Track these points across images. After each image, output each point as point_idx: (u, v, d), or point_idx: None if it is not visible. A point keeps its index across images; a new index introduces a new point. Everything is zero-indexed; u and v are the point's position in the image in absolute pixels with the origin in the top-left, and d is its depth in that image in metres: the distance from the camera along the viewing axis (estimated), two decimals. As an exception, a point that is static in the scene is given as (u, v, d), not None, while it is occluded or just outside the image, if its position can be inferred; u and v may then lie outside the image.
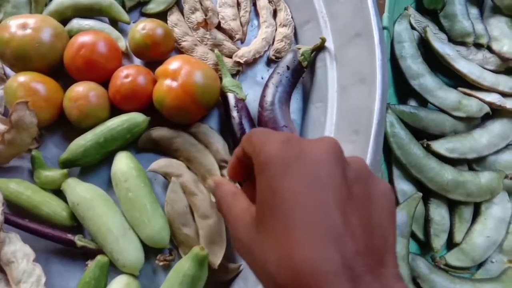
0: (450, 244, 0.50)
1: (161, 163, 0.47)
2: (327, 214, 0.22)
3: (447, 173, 0.49)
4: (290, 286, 0.22)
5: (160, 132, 0.48)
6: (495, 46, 0.56)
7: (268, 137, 0.26)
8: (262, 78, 0.53)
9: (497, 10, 0.58)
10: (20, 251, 0.41)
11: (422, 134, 0.52)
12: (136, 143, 0.49)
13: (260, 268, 0.24)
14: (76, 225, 0.45)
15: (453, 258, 0.48)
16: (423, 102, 0.54)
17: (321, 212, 0.22)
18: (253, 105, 0.51)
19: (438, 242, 0.48)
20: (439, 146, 0.50)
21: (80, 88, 0.47)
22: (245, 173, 0.31)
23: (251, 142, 0.27)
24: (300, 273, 0.22)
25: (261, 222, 0.25)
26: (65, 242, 0.43)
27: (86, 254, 0.44)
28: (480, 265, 0.49)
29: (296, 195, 0.23)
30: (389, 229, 0.25)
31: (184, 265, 0.40)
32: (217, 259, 0.43)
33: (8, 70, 0.52)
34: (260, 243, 0.24)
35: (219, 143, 0.48)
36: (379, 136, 0.40)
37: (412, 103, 0.54)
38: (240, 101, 0.49)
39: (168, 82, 0.46)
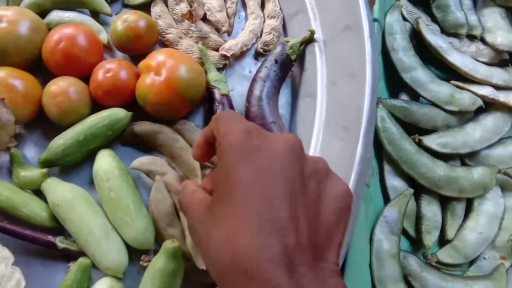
0: (442, 241, 0.49)
1: (144, 160, 0.45)
2: (273, 206, 0.24)
3: (439, 169, 0.48)
4: (228, 271, 0.23)
5: (143, 127, 0.46)
6: (488, 38, 0.54)
7: (233, 125, 0.27)
8: (250, 72, 0.51)
9: (490, 1, 0.57)
10: (-3, 255, 0.39)
11: (414, 129, 0.50)
12: (119, 140, 0.48)
13: (205, 254, 0.26)
14: (57, 226, 0.43)
15: (445, 255, 0.47)
16: (415, 96, 0.52)
17: (268, 203, 0.24)
18: (241, 99, 0.49)
19: (430, 239, 0.47)
20: (431, 141, 0.49)
21: (59, 84, 0.45)
22: (211, 154, 0.33)
23: (218, 127, 0.28)
24: (237, 258, 0.23)
25: (212, 208, 0.26)
26: (45, 244, 0.42)
27: (68, 256, 0.42)
28: (472, 262, 0.49)
29: (247, 184, 0.24)
30: (337, 227, 0.26)
31: (157, 261, 0.39)
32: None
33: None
34: (208, 229, 0.26)
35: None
36: (368, 134, 0.39)
37: (404, 96, 0.53)
38: (225, 97, 0.47)
39: (151, 76, 0.44)
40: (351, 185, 0.37)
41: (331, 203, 0.26)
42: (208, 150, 0.32)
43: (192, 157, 0.34)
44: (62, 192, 0.42)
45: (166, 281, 0.39)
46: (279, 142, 0.26)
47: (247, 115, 0.46)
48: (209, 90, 0.48)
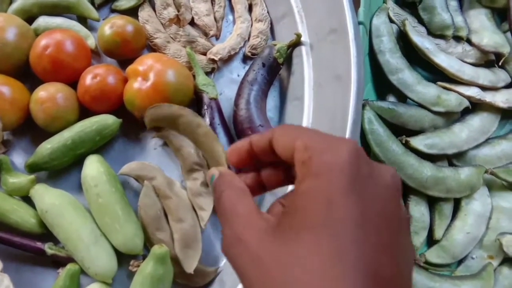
0: (430, 241, 0.49)
1: (133, 166, 0.46)
2: (381, 261, 0.20)
3: (426, 170, 0.48)
4: None
5: (160, 111, 0.44)
6: (474, 39, 0.55)
7: (329, 140, 0.22)
8: (238, 76, 0.52)
9: (476, 2, 0.57)
10: (-14, 262, 0.39)
11: (401, 130, 0.51)
12: (108, 146, 0.48)
13: (274, 285, 0.20)
14: (46, 232, 0.43)
15: (433, 255, 0.48)
16: (402, 98, 0.53)
17: (373, 255, 0.19)
18: (229, 103, 0.49)
19: (418, 239, 0.47)
20: (418, 142, 0.49)
21: (46, 90, 0.45)
22: (249, 164, 0.27)
23: (299, 138, 0.23)
24: None
25: (290, 229, 0.21)
26: (34, 250, 0.42)
27: (57, 262, 0.43)
28: (460, 262, 0.49)
29: (356, 223, 0.20)
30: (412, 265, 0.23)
31: (146, 266, 0.39)
32: (192, 263, 0.42)
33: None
34: (280, 256, 0.20)
35: (190, 146, 0.46)
36: (354, 135, 0.39)
37: (391, 98, 0.53)
38: (213, 101, 0.47)
39: (139, 81, 0.45)
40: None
41: (411, 254, 0.23)
42: (248, 160, 0.27)
43: (226, 159, 0.30)
44: (50, 199, 0.42)
45: (155, 286, 0.39)
46: (387, 173, 0.22)
47: (235, 119, 0.46)
48: (197, 94, 0.48)
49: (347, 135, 0.38)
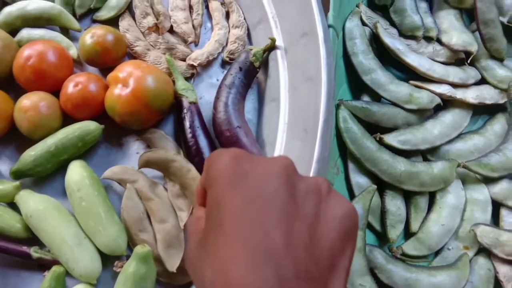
0: (407, 233, 0.51)
1: (115, 169, 0.47)
2: (267, 234, 0.22)
3: (400, 165, 0.50)
4: None
5: (156, 155, 0.46)
6: (444, 39, 0.57)
7: (220, 153, 0.25)
8: (217, 80, 0.53)
9: (445, 3, 0.59)
10: (-28, 267, 0.40)
11: (376, 128, 0.53)
12: (91, 152, 0.49)
13: (199, 286, 0.24)
14: (32, 237, 0.44)
15: (410, 247, 0.49)
16: (376, 97, 0.55)
17: (261, 231, 0.22)
18: (209, 107, 0.51)
19: (394, 232, 0.49)
20: (391, 138, 0.51)
21: (29, 99, 0.47)
22: None
23: (206, 161, 0.27)
24: None
25: (205, 238, 0.24)
26: (20, 254, 0.43)
27: (43, 266, 0.44)
28: (437, 253, 0.51)
29: (237, 211, 0.22)
30: (342, 252, 0.23)
31: (128, 266, 0.40)
32: (175, 262, 0.43)
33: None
34: (201, 260, 0.24)
35: (173, 149, 0.48)
36: (326, 134, 0.40)
37: (366, 98, 0.55)
38: (193, 104, 0.49)
39: (119, 88, 0.46)
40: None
41: (334, 224, 0.24)
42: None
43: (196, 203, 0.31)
44: (35, 204, 0.43)
45: (138, 285, 0.40)
46: (270, 165, 0.24)
47: (214, 121, 0.48)
48: (177, 98, 0.49)
49: (319, 133, 0.40)
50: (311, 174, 0.39)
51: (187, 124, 0.48)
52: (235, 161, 0.24)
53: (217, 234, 0.23)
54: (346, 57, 0.55)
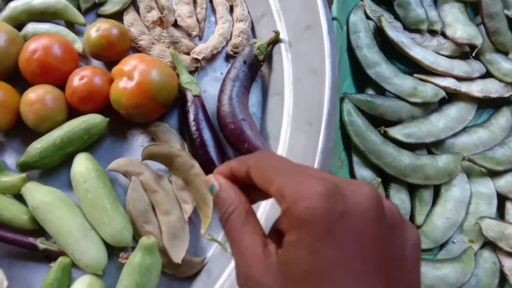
0: (412, 227, 0.51)
1: (121, 162, 0.47)
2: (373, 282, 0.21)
3: (405, 158, 0.50)
4: None
5: (161, 149, 0.46)
6: (448, 32, 0.57)
7: (302, 183, 0.23)
8: (221, 74, 0.54)
9: (450, -3, 0.59)
10: (-21, 257, 0.41)
11: (380, 121, 0.52)
12: (96, 145, 0.49)
13: None
14: (38, 228, 0.45)
15: (414, 240, 0.49)
16: (380, 90, 0.55)
17: (363, 283, 0.21)
18: (213, 100, 0.51)
19: (398, 225, 0.49)
20: (395, 132, 0.51)
21: (35, 92, 0.47)
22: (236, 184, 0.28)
23: (274, 181, 0.24)
24: None
25: (289, 280, 0.22)
26: (26, 245, 0.43)
27: (49, 257, 0.44)
28: (442, 246, 0.51)
29: (340, 264, 0.21)
30: (418, 283, 0.24)
31: (134, 257, 0.40)
32: (180, 254, 0.44)
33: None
34: None
35: (177, 142, 0.48)
36: (330, 126, 0.40)
37: (370, 91, 0.55)
38: (197, 98, 0.49)
39: (124, 81, 0.46)
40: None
41: (412, 254, 0.23)
42: (233, 182, 0.28)
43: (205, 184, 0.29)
44: (41, 195, 0.44)
45: (143, 276, 0.40)
46: (363, 200, 0.22)
47: (218, 114, 0.48)
48: (181, 92, 0.50)
49: (323, 125, 0.40)
50: (316, 166, 0.39)
51: (191, 117, 0.48)
52: (328, 199, 0.22)
53: (313, 284, 0.21)
54: (350, 50, 0.55)
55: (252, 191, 0.28)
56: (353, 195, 0.23)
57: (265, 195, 0.27)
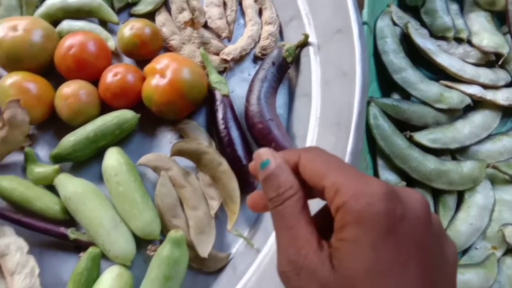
0: (435, 232, 0.51)
1: (151, 157, 0.48)
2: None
3: (430, 163, 0.50)
4: None
5: (190, 146, 0.47)
6: (475, 40, 0.57)
7: (361, 181, 0.23)
8: (249, 75, 0.55)
9: (476, 5, 0.60)
10: (14, 244, 0.42)
11: (406, 126, 0.53)
12: (126, 140, 0.51)
13: None
14: (69, 219, 0.46)
15: (437, 245, 0.49)
16: (406, 96, 0.55)
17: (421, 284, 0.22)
18: (241, 101, 0.52)
19: (422, 229, 0.49)
20: (421, 137, 0.52)
21: (70, 87, 0.48)
22: None
23: (328, 176, 0.24)
24: None
25: (346, 276, 0.22)
26: (58, 235, 0.45)
27: (79, 247, 0.45)
28: (464, 252, 0.51)
29: (402, 265, 0.22)
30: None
31: (163, 249, 0.41)
32: (206, 249, 0.44)
33: (0, 71, 0.53)
34: None
35: (205, 140, 0.49)
36: (359, 127, 0.41)
37: (396, 96, 0.55)
38: (225, 97, 0.50)
39: (156, 78, 0.48)
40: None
41: (453, 266, 0.24)
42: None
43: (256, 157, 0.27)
44: (73, 187, 0.45)
45: (172, 268, 0.41)
46: (417, 207, 0.23)
47: (246, 114, 0.49)
48: (210, 91, 0.51)
49: (353, 128, 0.40)
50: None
51: (220, 115, 0.49)
52: (389, 201, 0.22)
53: (374, 284, 0.21)
54: (377, 55, 0.56)
55: None
56: (409, 200, 0.23)
57: (309, 194, 0.26)
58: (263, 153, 0.26)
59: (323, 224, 0.26)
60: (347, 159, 0.40)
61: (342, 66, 0.45)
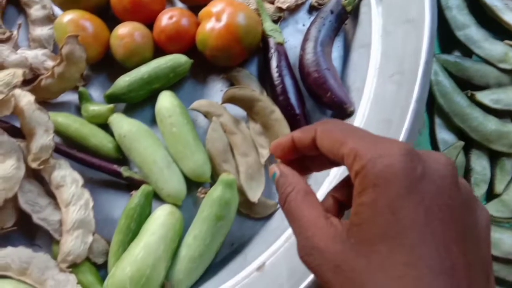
0: (489, 196, 0.49)
1: (203, 102, 0.48)
2: (449, 253, 0.21)
3: (491, 123, 0.48)
4: None
5: (243, 92, 0.47)
6: (546, -1, 0.54)
7: (380, 144, 0.23)
8: (303, 26, 0.53)
9: (550, -38, 0.56)
10: (69, 176, 0.43)
11: (466, 85, 0.51)
12: (178, 85, 0.50)
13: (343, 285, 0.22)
14: (121, 157, 0.46)
15: (492, 209, 0.48)
16: (467, 54, 0.52)
17: (443, 249, 0.21)
18: (294, 51, 0.51)
19: (478, 191, 0.47)
20: (483, 96, 0.49)
21: (126, 27, 0.48)
22: (293, 157, 0.29)
23: (347, 142, 0.24)
24: None
25: (363, 241, 0.22)
26: (111, 172, 0.45)
27: (130, 186, 0.45)
28: (520, 219, 0.49)
29: (420, 226, 0.21)
30: (490, 264, 0.23)
31: (214, 190, 0.41)
32: (256, 195, 0.44)
33: (57, 10, 0.54)
34: (358, 265, 0.22)
35: (257, 89, 0.49)
36: (426, 75, 0.39)
37: (457, 54, 0.53)
38: (279, 46, 0.49)
39: (212, 22, 0.47)
40: (407, 124, 0.38)
41: (485, 233, 0.23)
42: (291, 154, 0.29)
43: (270, 150, 0.31)
44: (128, 125, 0.45)
45: (223, 209, 0.41)
46: (440, 167, 0.22)
47: (301, 63, 0.48)
48: (264, 39, 0.49)
49: (420, 74, 0.39)
50: (410, 114, 0.38)
51: (273, 63, 0.48)
52: (409, 159, 0.22)
53: (391, 246, 0.21)
54: (439, 10, 0.53)
55: (314, 161, 0.29)
56: (431, 161, 0.22)
57: (328, 164, 0.29)
58: (272, 167, 0.29)
59: (348, 195, 0.26)
60: (412, 106, 0.38)
61: (407, 13, 0.43)
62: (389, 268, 0.21)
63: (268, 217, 0.45)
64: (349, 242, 0.22)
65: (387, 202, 0.21)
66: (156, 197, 0.44)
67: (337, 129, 0.25)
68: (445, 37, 0.53)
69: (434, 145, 0.49)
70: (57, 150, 0.45)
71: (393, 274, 0.21)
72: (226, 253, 0.44)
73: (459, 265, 0.20)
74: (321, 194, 0.42)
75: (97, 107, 0.47)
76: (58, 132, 0.46)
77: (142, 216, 0.42)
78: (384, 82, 0.44)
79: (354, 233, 0.22)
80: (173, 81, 0.49)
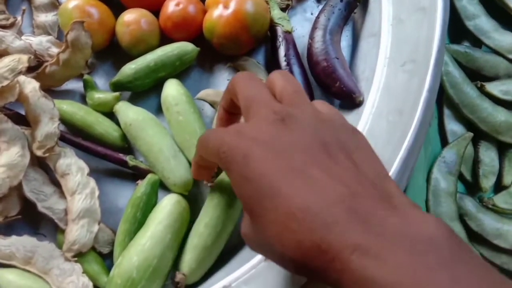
0: (497, 187, 0.49)
1: (209, 92, 0.47)
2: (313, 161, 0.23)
3: (500, 114, 0.48)
4: (303, 256, 0.20)
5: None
6: (557, -11, 0.53)
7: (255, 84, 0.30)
8: (311, 14, 0.52)
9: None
10: (75, 165, 0.42)
11: (476, 76, 0.50)
12: (184, 74, 0.50)
13: (275, 257, 0.24)
14: (127, 146, 0.46)
15: (500, 200, 0.47)
16: (477, 44, 0.52)
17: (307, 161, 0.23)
18: (301, 40, 0.50)
19: (487, 182, 0.47)
20: (493, 87, 0.49)
21: (132, 14, 0.47)
22: (234, 121, 0.34)
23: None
24: (302, 239, 0.20)
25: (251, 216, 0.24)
26: (116, 161, 0.44)
27: (136, 175, 0.45)
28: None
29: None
30: (375, 162, 0.25)
31: (224, 177, 0.41)
32: (264, 185, 0.43)
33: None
34: (260, 229, 0.23)
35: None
36: (438, 64, 0.39)
37: (466, 44, 0.52)
38: (287, 34, 0.48)
39: (219, 9, 0.46)
40: (418, 115, 0.37)
41: (361, 143, 0.27)
42: (230, 120, 0.33)
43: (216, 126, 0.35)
44: (134, 114, 0.44)
45: (234, 197, 0.40)
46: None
47: (310, 52, 0.47)
48: (272, 27, 0.49)
49: (432, 63, 0.38)
50: (421, 103, 0.37)
51: (281, 52, 0.47)
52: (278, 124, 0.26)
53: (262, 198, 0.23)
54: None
55: None
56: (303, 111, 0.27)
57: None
58: None
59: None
60: (423, 96, 0.38)
61: (420, 1, 0.42)
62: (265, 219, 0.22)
63: (276, 207, 0.45)
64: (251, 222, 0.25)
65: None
66: (162, 186, 0.44)
67: (240, 80, 0.30)
68: (455, 27, 0.53)
69: (443, 136, 0.49)
70: (63, 138, 0.44)
71: (270, 223, 0.22)
72: (236, 242, 0.44)
73: (328, 175, 0.22)
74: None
75: (102, 95, 0.46)
76: (63, 120, 0.45)
77: (148, 205, 0.41)
78: (395, 71, 0.43)
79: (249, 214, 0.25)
80: (179, 70, 0.48)
